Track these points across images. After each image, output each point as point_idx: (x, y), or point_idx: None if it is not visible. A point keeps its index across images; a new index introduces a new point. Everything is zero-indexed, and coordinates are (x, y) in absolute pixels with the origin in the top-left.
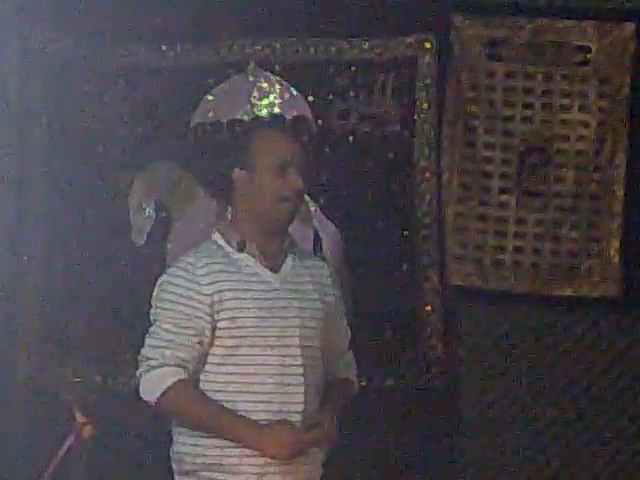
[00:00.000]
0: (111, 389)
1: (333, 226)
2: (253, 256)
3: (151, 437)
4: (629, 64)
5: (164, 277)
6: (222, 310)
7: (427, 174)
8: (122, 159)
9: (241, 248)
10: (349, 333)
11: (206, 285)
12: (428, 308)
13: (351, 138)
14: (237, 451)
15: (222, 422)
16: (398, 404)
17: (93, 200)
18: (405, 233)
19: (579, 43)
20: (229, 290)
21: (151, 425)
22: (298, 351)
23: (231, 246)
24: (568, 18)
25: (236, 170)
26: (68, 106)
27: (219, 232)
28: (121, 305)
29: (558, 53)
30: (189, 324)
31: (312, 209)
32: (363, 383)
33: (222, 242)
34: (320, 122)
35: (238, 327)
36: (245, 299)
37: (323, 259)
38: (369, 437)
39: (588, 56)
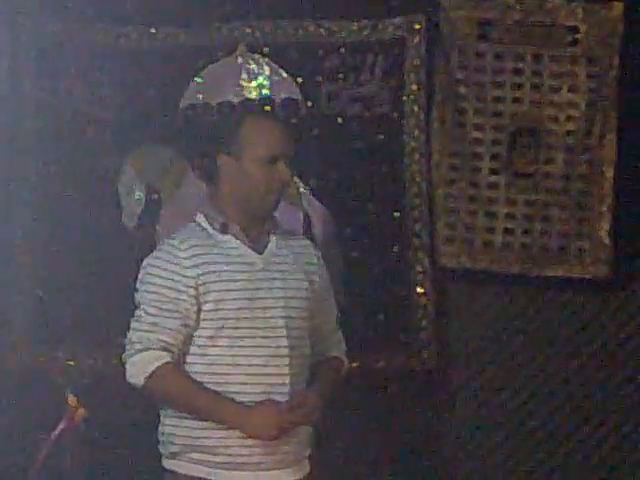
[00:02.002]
0: (103, 373)
1: (323, 208)
2: (237, 237)
3: (144, 421)
4: (618, 44)
5: (148, 260)
6: (207, 292)
7: (417, 155)
8: (112, 142)
9: (224, 230)
10: (337, 311)
11: (190, 268)
12: (419, 290)
13: (340, 120)
14: (223, 432)
15: (207, 404)
16: (389, 386)
17: (83, 183)
18: (395, 215)
19: (568, 24)
20: (213, 272)
21: (144, 409)
22: (283, 332)
23: (214, 228)
24: None
25: (223, 155)
26: (57, 88)
27: (202, 214)
28: (113, 288)
29: (547, 34)
30: (173, 307)
31: (302, 191)
32: (354, 365)
33: (205, 224)
34: (309, 104)
35: (223, 309)
36: (229, 280)
37: (310, 238)
38: (359, 419)
39: (577, 37)
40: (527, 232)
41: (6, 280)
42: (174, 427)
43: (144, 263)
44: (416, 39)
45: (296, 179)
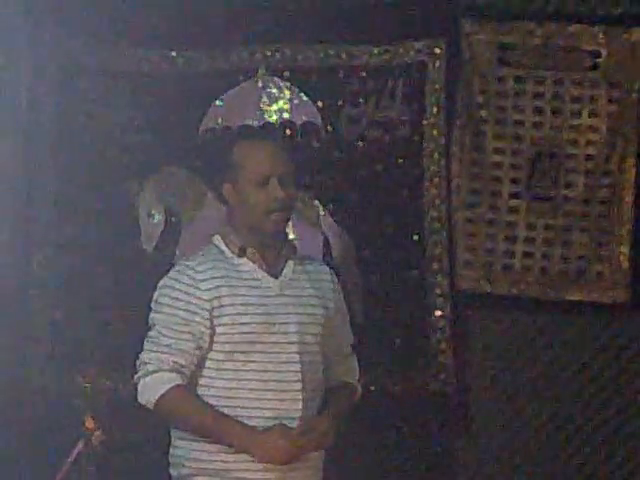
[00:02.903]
0: (121, 395)
1: (343, 231)
2: (253, 261)
3: (161, 443)
4: (639, 69)
5: (164, 281)
6: (221, 315)
7: (437, 179)
8: (132, 164)
9: (241, 253)
10: (352, 337)
11: (206, 290)
12: (438, 313)
13: (361, 143)
14: (234, 456)
15: (218, 427)
16: (407, 409)
17: (103, 206)
18: (415, 238)
19: (589, 48)
20: (228, 295)
21: (161, 431)
22: (296, 357)
23: (231, 251)
24: (578, 23)
25: (225, 184)
26: (78, 111)
27: (220, 236)
28: (131, 311)
29: (568, 58)
30: (187, 329)
31: (322, 214)
32: (372, 388)
33: (223, 247)
34: (330, 127)
35: (237, 332)
36: (244, 304)
37: (328, 264)
38: (378, 442)
39: (598, 61)
40: (546, 256)
41: (24, 303)
42: (185, 449)
43: (160, 283)
44: (437, 63)
45: (316, 202)
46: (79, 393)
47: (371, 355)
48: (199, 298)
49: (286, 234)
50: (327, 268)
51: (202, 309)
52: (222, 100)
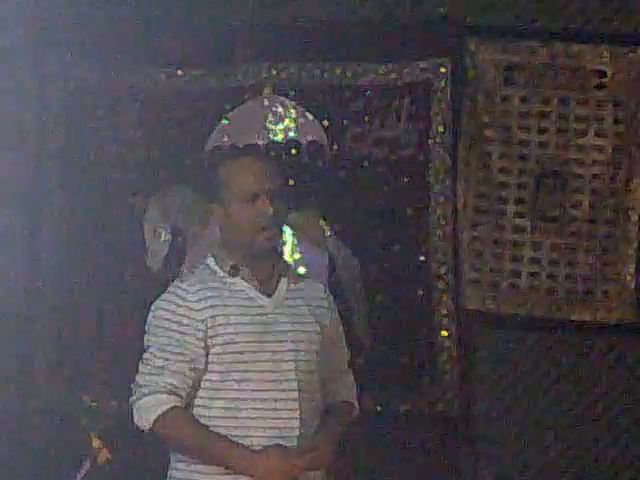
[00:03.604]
0: (127, 414)
1: (348, 251)
2: (246, 280)
3: (167, 461)
4: None
5: (157, 303)
6: (216, 336)
7: (442, 198)
8: (137, 183)
9: (234, 273)
10: (348, 354)
11: (199, 311)
12: (444, 333)
13: (366, 162)
14: (231, 477)
15: (215, 449)
16: (413, 429)
17: (109, 225)
18: (420, 258)
19: (595, 67)
20: (223, 315)
21: (167, 450)
22: (293, 375)
23: (224, 271)
24: (583, 42)
25: (213, 205)
26: (84, 130)
27: (212, 256)
28: (137, 330)
29: (573, 77)
30: (182, 350)
31: (327, 234)
32: (379, 408)
33: (215, 266)
34: (335, 147)
35: (231, 352)
36: (239, 324)
37: (333, 284)
38: (384, 462)
39: (603, 80)
40: (552, 276)
41: (30, 321)
42: (183, 472)
43: (153, 306)
44: (442, 82)
45: (321, 222)
46: (85, 412)
47: (377, 375)
48: (193, 319)
49: (279, 252)
50: (321, 285)
51: (196, 330)
52: (228, 119)
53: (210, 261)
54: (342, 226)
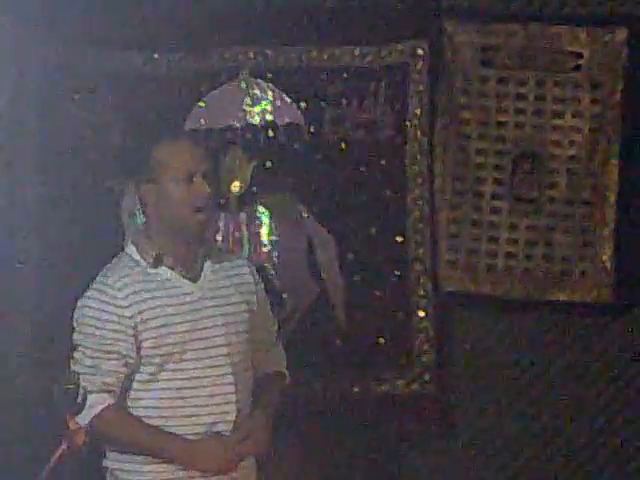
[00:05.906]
0: None
1: (326, 232)
2: (171, 269)
3: None
4: (621, 70)
5: (83, 300)
6: (146, 330)
7: (419, 180)
8: (114, 166)
9: (157, 263)
10: (276, 325)
11: (127, 307)
12: (421, 314)
13: (343, 145)
14: (171, 467)
15: (153, 442)
16: (391, 410)
17: (86, 207)
18: (397, 239)
19: (571, 49)
20: (151, 308)
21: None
22: (227, 359)
23: (147, 261)
24: (560, 24)
25: (144, 185)
26: (60, 113)
27: (133, 244)
28: None
29: (550, 59)
30: (113, 348)
31: (304, 215)
32: (356, 389)
33: (137, 256)
34: (312, 129)
35: (163, 344)
36: (167, 315)
37: (246, 259)
38: (361, 442)
39: (580, 62)
40: (529, 257)
41: (7, 305)
42: (121, 462)
43: (79, 303)
44: (419, 64)
45: (298, 204)
46: (62, 394)
47: (354, 356)
48: (121, 316)
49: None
50: (245, 261)
51: (126, 327)
52: (205, 102)
53: (131, 250)
54: (319, 208)
